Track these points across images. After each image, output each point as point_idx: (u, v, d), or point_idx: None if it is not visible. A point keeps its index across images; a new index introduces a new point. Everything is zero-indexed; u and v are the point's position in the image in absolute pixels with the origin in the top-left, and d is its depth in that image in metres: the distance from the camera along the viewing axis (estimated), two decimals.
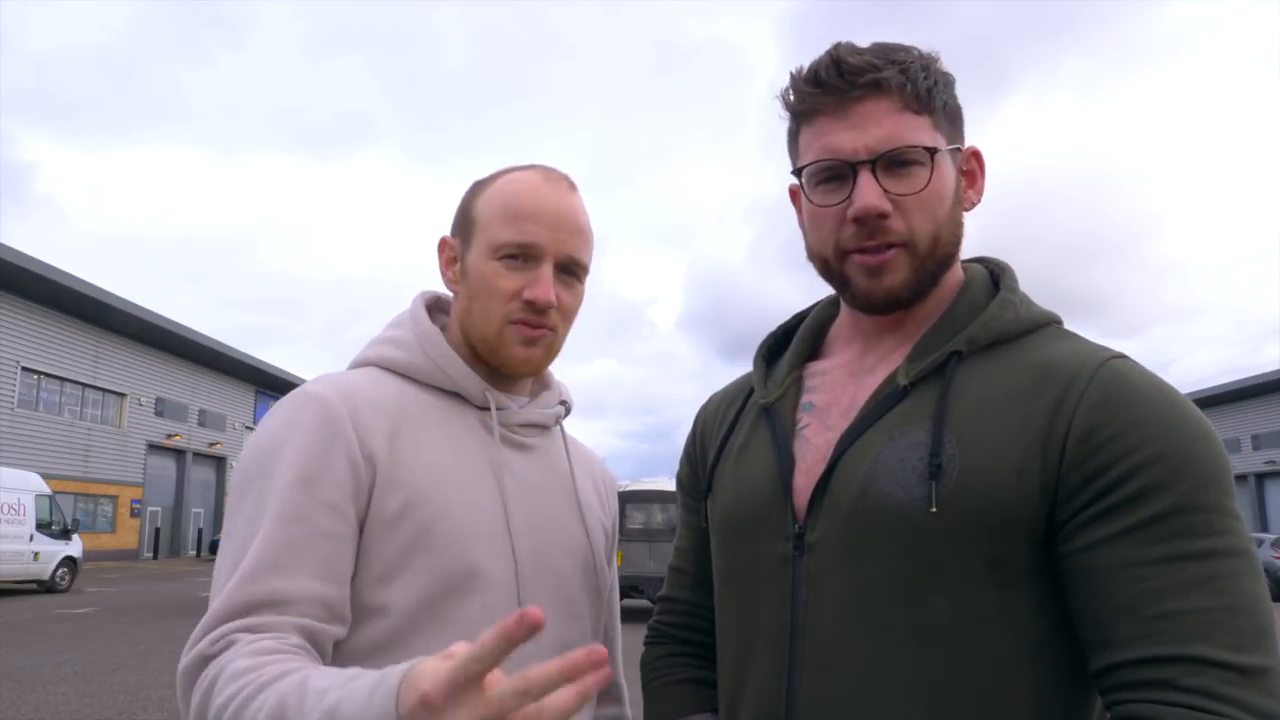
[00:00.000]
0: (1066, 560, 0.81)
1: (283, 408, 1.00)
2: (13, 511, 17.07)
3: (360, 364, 1.11)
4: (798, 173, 0.96)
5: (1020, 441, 0.83)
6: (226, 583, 0.90)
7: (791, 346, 1.08)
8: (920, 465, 0.85)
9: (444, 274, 1.13)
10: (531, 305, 1.04)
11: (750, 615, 0.96)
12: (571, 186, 1.09)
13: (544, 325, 1.06)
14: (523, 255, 1.04)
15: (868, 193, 0.88)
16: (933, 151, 0.90)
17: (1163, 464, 0.77)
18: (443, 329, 1.13)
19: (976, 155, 0.98)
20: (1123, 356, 0.86)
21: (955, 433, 0.85)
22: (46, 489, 18.62)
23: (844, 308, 1.05)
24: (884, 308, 0.94)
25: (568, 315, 1.09)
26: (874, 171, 0.89)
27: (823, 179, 0.93)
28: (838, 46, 0.92)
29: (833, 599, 0.88)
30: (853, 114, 0.90)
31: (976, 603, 0.82)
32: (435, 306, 1.18)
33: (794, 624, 0.90)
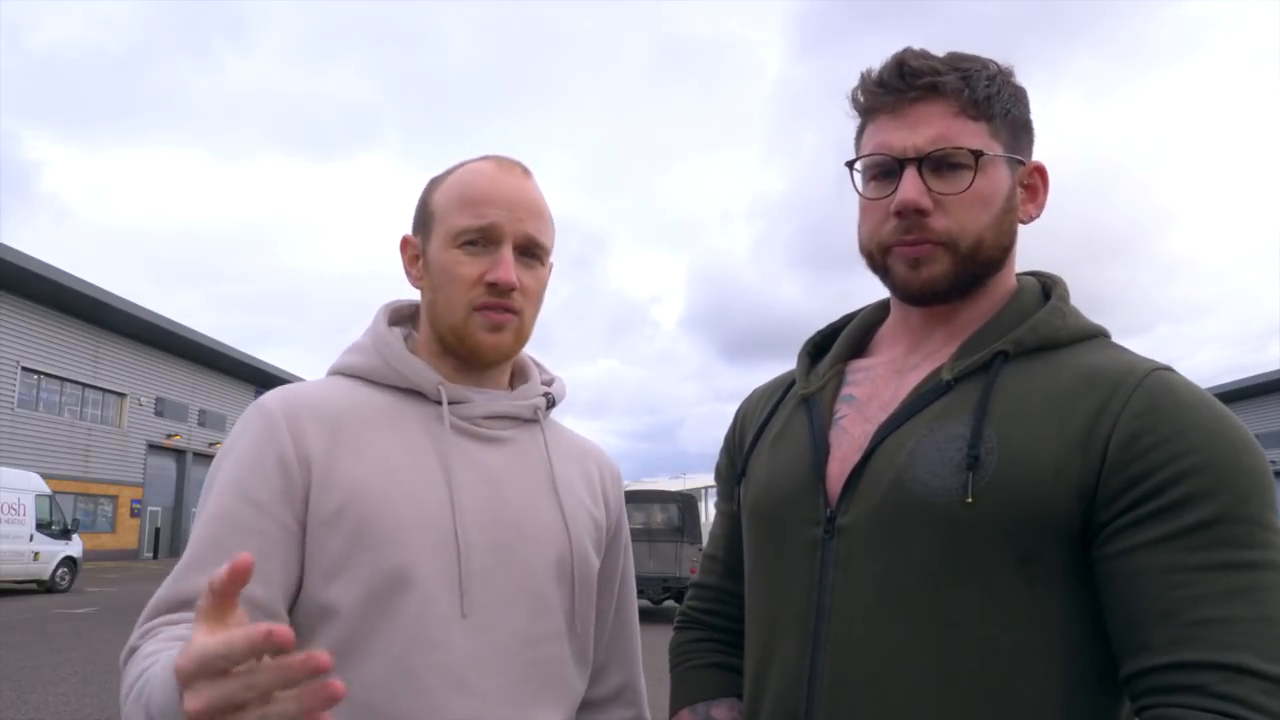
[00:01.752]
0: (1103, 563, 0.81)
1: (238, 422, 1.06)
2: (13, 511, 17.04)
3: (328, 374, 1.15)
4: (850, 166, 0.99)
5: (1060, 441, 0.83)
6: (167, 579, 0.98)
7: (837, 343, 1.09)
8: (958, 456, 0.86)
9: (408, 272, 1.14)
10: (494, 288, 1.04)
11: (778, 597, 0.97)
12: (526, 172, 1.10)
13: (509, 309, 1.06)
14: (482, 239, 1.05)
15: (908, 187, 0.91)
16: (978, 155, 0.91)
17: (1207, 473, 0.78)
18: (410, 335, 1.15)
19: (1040, 171, 0.99)
20: (1169, 368, 0.87)
21: (995, 428, 0.86)
22: (46, 489, 18.59)
23: (892, 308, 1.07)
24: (921, 298, 0.96)
25: (532, 297, 1.09)
26: (920, 170, 0.92)
27: (874, 174, 0.96)
28: (905, 50, 0.95)
29: (860, 583, 0.89)
30: (908, 114, 0.93)
31: (1004, 596, 0.83)
32: (407, 316, 1.19)
33: (820, 606, 0.91)
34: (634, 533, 14.21)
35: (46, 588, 17.84)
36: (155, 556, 33.84)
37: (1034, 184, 0.99)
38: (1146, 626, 0.77)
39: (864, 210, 0.98)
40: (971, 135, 0.92)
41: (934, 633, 0.84)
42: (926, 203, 0.91)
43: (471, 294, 1.05)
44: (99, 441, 31.07)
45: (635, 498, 14.92)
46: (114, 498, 31.74)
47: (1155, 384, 0.83)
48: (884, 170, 0.95)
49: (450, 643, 0.98)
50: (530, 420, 1.15)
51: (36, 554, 17.51)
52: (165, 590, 0.95)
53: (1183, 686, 0.74)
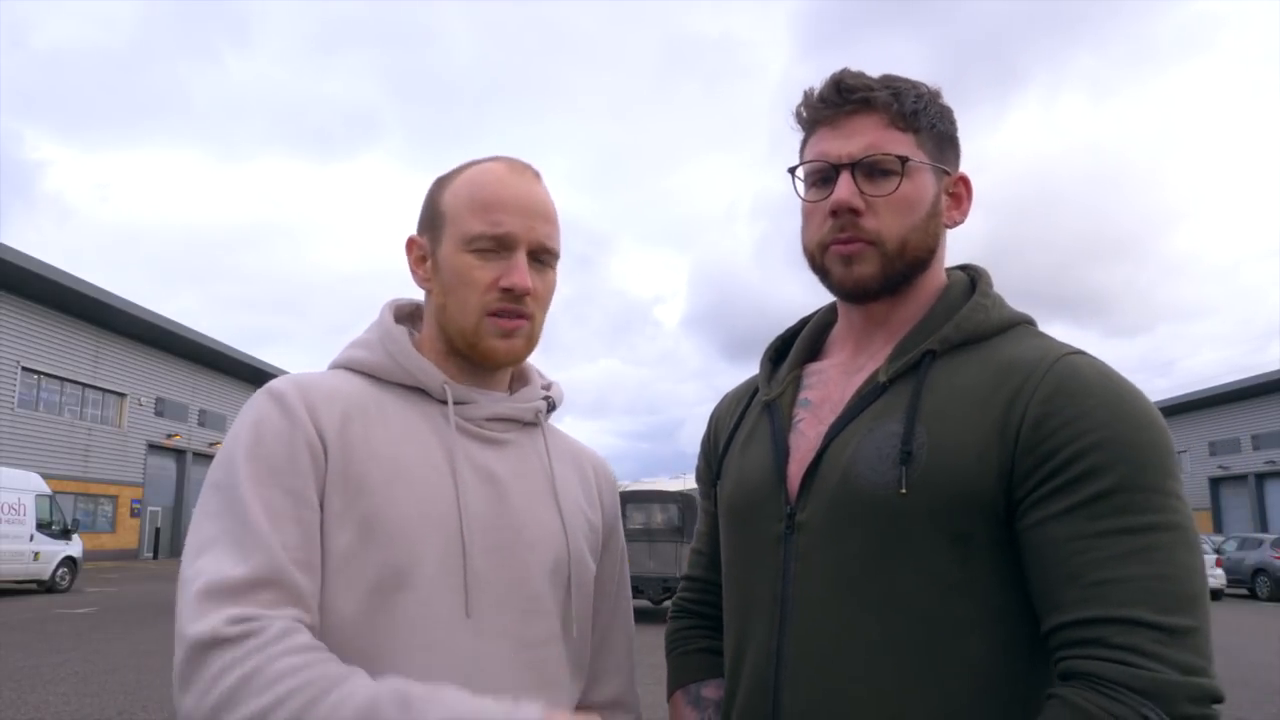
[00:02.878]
0: (1022, 534, 0.91)
1: (247, 407, 1.02)
2: (13, 511, 17.06)
3: (331, 368, 1.13)
4: (792, 172, 1.09)
5: (981, 429, 0.93)
6: (205, 559, 0.89)
7: (793, 348, 1.19)
8: (893, 452, 0.95)
9: (414, 273, 1.13)
10: (509, 293, 1.05)
11: (750, 588, 1.07)
12: (537, 175, 1.11)
13: (521, 315, 1.07)
14: (496, 245, 1.05)
15: (842, 189, 1.01)
16: (904, 160, 1.01)
17: (1106, 448, 0.87)
18: (412, 334, 1.15)
19: (965, 181, 1.09)
20: (1080, 352, 0.95)
21: (926, 424, 0.95)
22: (46, 489, 18.61)
23: (839, 311, 1.16)
24: (856, 295, 1.05)
25: (542, 302, 1.10)
26: (854, 174, 1.01)
27: (814, 181, 1.06)
28: (843, 70, 1.05)
29: (816, 572, 0.99)
30: (844, 126, 1.03)
31: (942, 574, 0.92)
32: (408, 314, 1.19)
33: (784, 595, 1.01)
34: (634, 533, 14.35)
35: (46, 588, 17.85)
36: (155, 556, 33.86)
37: (959, 193, 1.08)
38: (1057, 589, 0.87)
39: (805, 214, 1.07)
40: (899, 144, 1.01)
41: (880, 612, 0.93)
42: (859, 203, 1.00)
43: (485, 299, 1.05)
44: (99, 441, 31.09)
45: (635, 498, 14.91)
46: (114, 498, 31.76)
47: (1063, 369, 0.92)
48: (822, 177, 1.04)
49: (453, 642, 0.98)
50: (530, 423, 1.15)
51: (36, 554, 17.53)
52: (227, 569, 0.87)
53: (1087, 640, 0.84)
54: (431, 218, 1.11)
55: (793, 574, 1.00)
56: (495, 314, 1.06)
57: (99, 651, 9.59)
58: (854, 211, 1.00)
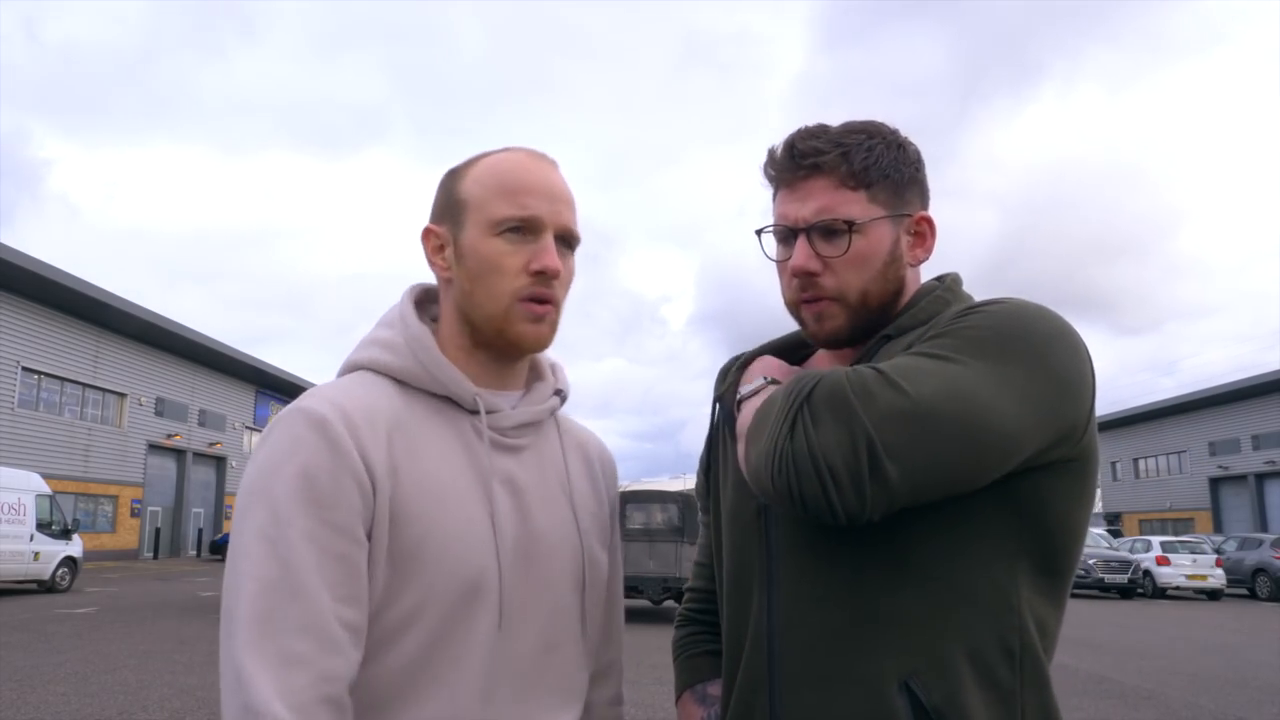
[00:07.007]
0: None
1: (279, 428, 0.98)
2: (13, 511, 17.05)
3: (351, 367, 1.11)
4: (759, 234, 1.17)
5: None
6: (260, 639, 0.89)
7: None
8: None
9: (432, 262, 1.12)
10: (541, 276, 1.06)
11: (741, 563, 1.13)
12: (555, 164, 1.13)
13: (549, 299, 1.07)
14: (525, 228, 1.06)
15: (799, 254, 1.10)
16: (851, 224, 1.08)
17: (983, 321, 0.97)
18: (434, 320, 1.15)
19: (926, 220, 1.15)
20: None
21: None
22: (47, 489, 18.60)
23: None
24: (830, 345, 1.15)
25: (566, 286, 1.11)
26: (809, 237, 1.09)
27: (780, 240, 1.14)
28: (796, 133, 1.12)
29: (792, 527, 1.06)
30: (799, 189, 1.10)
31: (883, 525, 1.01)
32: (426, 298, 1.18)
33: (769, 554, 1.08)
34: (634, 533, 14.34)
35: (46, 588, 17.84)
36: (155, 556, 33.85)
37: (921, 231, 1.15)
38: None
39: (778, 271, 1.15)
40: (850, 204, 1.08)
41: (836, 559, 1.01)
42: (815, 265, 1.09)
43: (516, 283, 1.06)
44: (99, 441, 31.08)
45: (635, 498, 14.89)
46: (114, 498, 31.76)
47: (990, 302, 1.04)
48: (784, 237, 1.12)
49: (485, 652, 1.01)
50: (543, 423, 1.17)
51: (36, 554, 17.51)
52: (278, 633, 0.89)
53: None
54: (450, 206, 1.10)
55: (773, 538, 1.08)
56: (526, 299, 1.06)
57: (99, 651, 9.57)
58: (811, 273, 1.08)
